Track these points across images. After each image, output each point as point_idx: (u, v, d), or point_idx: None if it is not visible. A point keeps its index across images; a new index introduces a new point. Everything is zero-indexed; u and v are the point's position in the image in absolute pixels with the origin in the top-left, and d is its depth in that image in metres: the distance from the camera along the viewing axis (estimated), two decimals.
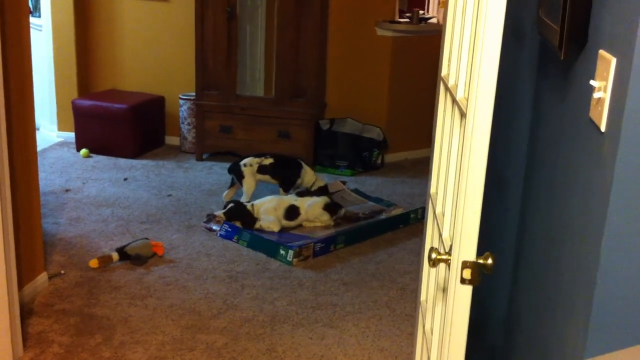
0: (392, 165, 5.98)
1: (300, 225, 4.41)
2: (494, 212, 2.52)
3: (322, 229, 4.41)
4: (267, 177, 4.75)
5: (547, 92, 1.90)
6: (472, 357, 2.41)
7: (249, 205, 4.36)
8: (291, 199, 4.47)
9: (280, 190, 4.80)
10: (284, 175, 4.76)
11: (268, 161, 4.74)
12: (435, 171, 2.19)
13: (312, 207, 4.42)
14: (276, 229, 4.30)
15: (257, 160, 4.73)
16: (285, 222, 4.37)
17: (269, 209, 4.33)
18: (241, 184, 4.70)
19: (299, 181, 4.81)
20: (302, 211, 4.40)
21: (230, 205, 4.37)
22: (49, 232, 4.25)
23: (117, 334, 3.18)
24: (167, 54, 6.09)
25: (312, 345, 3.17)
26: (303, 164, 4.88)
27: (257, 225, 4.32)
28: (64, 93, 6.13)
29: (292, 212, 4.39)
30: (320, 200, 4.47)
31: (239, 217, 4.32)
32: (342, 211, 4.56)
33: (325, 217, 4.46)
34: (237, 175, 4.73)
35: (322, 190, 4.78)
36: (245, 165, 4.70)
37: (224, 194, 4.82)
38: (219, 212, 4.39)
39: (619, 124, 1.17)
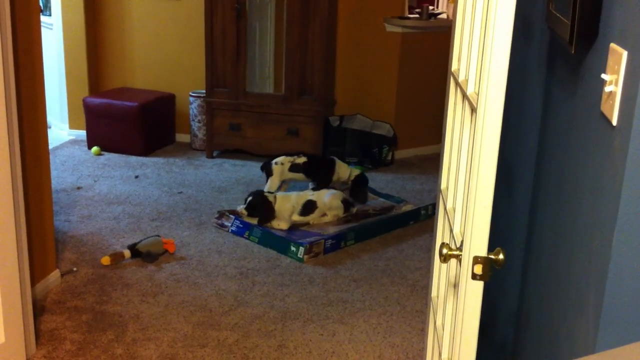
0: (401, 162, 5.97)
1: (308, 223, 4.41)
2: (503, 207, 2.52)
3: (332, 225, 4.41)
4: (300, 176, 4.76)
5: (557, 87, 1.89)
6: (483, 353, 2.41)
7: (271, 197, 4.34)
8: (307, 194, 4.49)
9: (311, 185, 4.80)
10: (318, 173, 4.76)
11: (301, 160, 4.75)
12: (445, 166, 2.18)
13: (332, 197, 4.45)
14: (285, 227, 4.30)
15: (289, 158, 4.76)
16: (300, 218, 4.38)
17: (288, 208, 4.34)
18: (267, 180, 4.74)
19: (334, 177, 4.80)
20: (319, 204, 4.41)
21: (250, 199, 4.35)
22: (61, 229, 4.27)
23: (129, 330, 3.20)
24: (177, 52, 6.11)
25: (323, 342, 3.18)
26: (336, 159, 4.88)
27: (268, 224, 4.32)
28: (74, 91, 6.16)
29: (308, 207, 4.40)
30: (339, 193, 4.52)
31: (259, 212, 4.31)
32: (354, 210, 4.58)
33: (341, 211, 4.48)
34: (267, 172, 4.77)
35: (361, 178, 4.79)
36: (276, 163, 4.74)
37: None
38: (241, 207, 4.38)
39: (631, 118, 1.17)
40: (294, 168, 4.74)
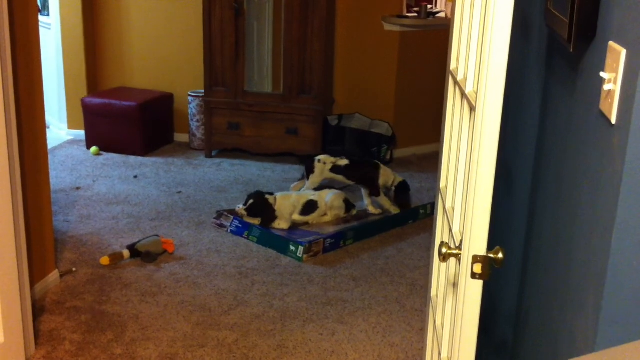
0: (400, 161, 5.96)
1: (307, 223, 4.41)
2: (502, 206, 2.51)
3: (331, 225, 4.41)
4: (340, 177, 4.70)
5: (556, 85, 1.89)
6: (483, 352, 2.41)
7: (271, 198, 4.33)
8: (309, 194, 4.49)
9: (365, 192, 4.71)
10: (361, 177, 4.69)
11: (343, 162, 4.69)
12: (444, 165, 2.18)
13: (335, 196, 4.44)
14: (286, 226, 4.30)
15: (332, 159, 4.71)
16: (301, 218, 4.38)
17: (288, 206, 4.35)
18: (307, 178, 4.72)
19: (380, 181, 4.69)
20: (320, 204, 4.41)
21: (251, 202, 4.34)
22: (60, 229, 4.27)
23: (128, 330, 3.19)
24: (175, 51, 6.10)
25: (322, 341, 3.18)
26: (380, 164, 4.79)
27: (272, 224, 4.31)
28: (73, 91, 6.16)
29: (309, 207, 4.40)
30: (340, 193, 4.50)
31: (261, 214, 4.31)
32: (354, 211, 4.57)
33: (342, 211, 4.48)
34: (307, 168, 4.74)
35: (405, 185, 4.74)
36: (319, 161, 4.70)
37: (292, 185, 4.85)
38: (240, 207, 4.37)
39: (629, 116, 1.17)
40: (335, 169, 4.68)
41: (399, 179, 4.77)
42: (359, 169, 4.71)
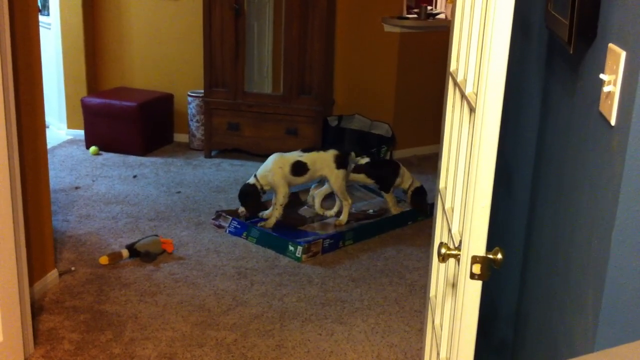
0: (400, 162, 5.96)
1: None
2: (502, 207, 2.52)
3: (331, 226, 4.41)
4: (361, 177, 4.68)
5: (556, 87, 1.89)
6: (482, 353, 2.41)
7: (252, 180, 4.31)
8: (295, 155, 4.39)
9: (382, 191, 4.73)
10: (381, 175, 4.68)
11: (364, 160, 4.69)
12: (444, 166, 2.18)
13: (321, 159, 4.36)
14: (285, 189, 4.30)
15: None
16: (293, 178, 4.33)
17: (274, 170, 4.28)
18: None
19: (398, 181, 4.69)
20: (310, 166, 4.34)
21: (239, 192, 4.36)
22: (59, 229, 4.27)
23: (127, 330, 3.19)
24: (175, 52, 6.10)
25: (321, 341, 3.18)
26: (400, 165, 4.78)
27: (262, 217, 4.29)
28: (73, 91, 6.16)
29: (299, 167, 4.33)
30: (328, 153, 4.39)
31: (251, 199, 4.30)
32: (353, 155, 4.48)
33: (337, 171, 4.37)
34: None
35: (420, 192, 4.70)
36: None
37: (312, 187, 4.78)
38: (240, 209, 4.37)
39: (629, 118, 1.17)
40: (356, 169, 4.66)
41: (417, 183, 4.74)
42: (380, 168, 4.70)
